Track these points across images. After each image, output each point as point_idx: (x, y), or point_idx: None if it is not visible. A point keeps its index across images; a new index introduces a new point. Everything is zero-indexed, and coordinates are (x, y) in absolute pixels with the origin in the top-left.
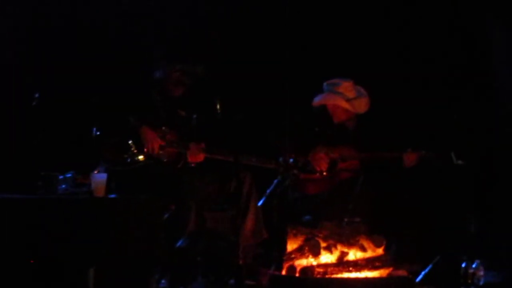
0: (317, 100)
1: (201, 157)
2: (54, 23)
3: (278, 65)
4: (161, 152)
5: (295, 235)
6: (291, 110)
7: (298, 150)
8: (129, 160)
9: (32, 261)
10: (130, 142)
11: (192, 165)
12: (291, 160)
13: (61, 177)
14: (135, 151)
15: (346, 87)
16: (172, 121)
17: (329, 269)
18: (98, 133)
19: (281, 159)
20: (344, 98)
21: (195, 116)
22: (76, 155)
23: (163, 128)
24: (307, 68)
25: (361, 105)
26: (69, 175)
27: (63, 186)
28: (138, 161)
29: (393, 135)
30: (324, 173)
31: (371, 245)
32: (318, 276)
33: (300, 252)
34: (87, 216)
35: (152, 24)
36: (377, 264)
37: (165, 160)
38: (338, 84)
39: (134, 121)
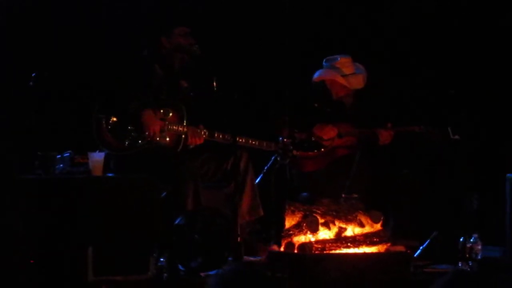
0: (316, 76)
1: (201, 140)
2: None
3: (277, 41)
4: (161, 134)
5: (293, 212)
6: (290, 87)
7: (297, 127)
8: (126, 144)
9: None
10: (129, 127)
11: (191, 146)
12: (289, 140)
13: (58, 156)
14: (135, 135)
15: (344, 63)
16: (175, 95)
17: (327, 245)
18: (99, 116)
19: (280, 139)
20: (340, 74)
21: (192, 93)
22: (74, 134)
23: (162, 111)
24: (307, 44)
25: (358, 82)
26: (67, 154)
27: (61, 165)
28: (139, 145)
29: (390, 111)
30: (327, 144)
31: (369, 220)
32: (317, 252)
33: (298, 228)
34: (85, 195)
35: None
36: (375, 239)
37: (165, 144)
38: (336, 60)
39: (135, 105)
